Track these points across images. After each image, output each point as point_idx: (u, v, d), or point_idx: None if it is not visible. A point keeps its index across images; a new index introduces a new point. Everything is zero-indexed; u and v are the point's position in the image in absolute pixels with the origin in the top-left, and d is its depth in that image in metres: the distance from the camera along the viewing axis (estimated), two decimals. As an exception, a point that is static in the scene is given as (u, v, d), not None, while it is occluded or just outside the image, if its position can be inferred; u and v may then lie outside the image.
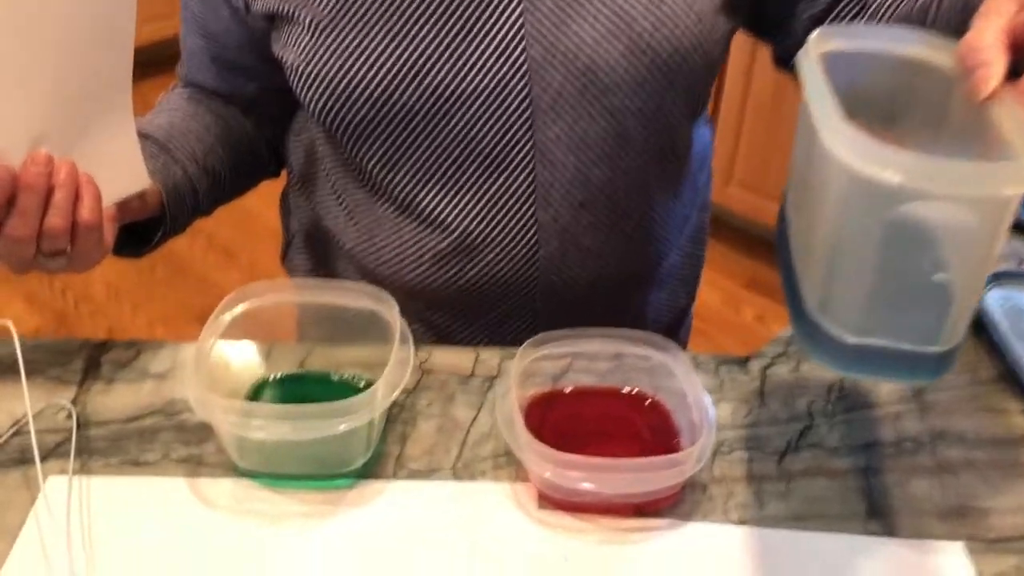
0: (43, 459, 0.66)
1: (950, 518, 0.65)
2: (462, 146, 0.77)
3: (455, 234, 0.81)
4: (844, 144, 0.46)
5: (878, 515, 0.65)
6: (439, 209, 0.81)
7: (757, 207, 2.20)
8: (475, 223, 0.80)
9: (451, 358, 0.77)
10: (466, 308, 0.86)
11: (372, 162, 0.80)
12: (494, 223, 0.80)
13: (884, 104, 0.60)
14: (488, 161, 0.78)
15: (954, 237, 0.49)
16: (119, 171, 0.70)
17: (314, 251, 0.95)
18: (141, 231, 0.79)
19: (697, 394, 0.67)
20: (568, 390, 0.72)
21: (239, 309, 0.70)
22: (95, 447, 0.68)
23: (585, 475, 0.61)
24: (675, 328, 1.00)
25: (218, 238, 2.36)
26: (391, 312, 0.68)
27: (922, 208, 0.47)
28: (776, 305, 2.22)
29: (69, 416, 0.70)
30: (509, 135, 0.76)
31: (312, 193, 0.91)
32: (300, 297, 0.72)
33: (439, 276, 0.84)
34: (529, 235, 0.80)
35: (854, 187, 0.47)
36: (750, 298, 2.25)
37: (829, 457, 0.69)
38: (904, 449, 0.70)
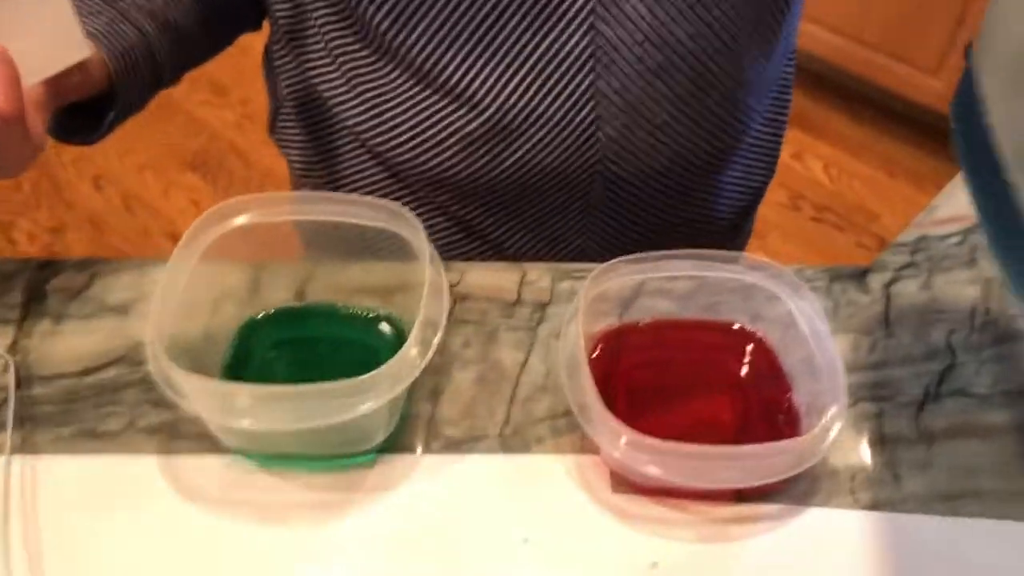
0: (-26, 431, 0.52)
1: None
2: (497, -5, 0.58)
3: (488, 111, 0.63)
4: None
5: (1050, 493, 0.51)
6: (468, 79, 0.62)
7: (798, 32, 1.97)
8: (514, 97, 0.62)
9: (490, 279, 0.60)
10: (502, 202, 0.69)
11: (378, 16, 0.61)
12: (539, 97, 0.62)
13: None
14: (532, 16, 0.59)
15: None
16: (44, 38, 0.53)
17: (308, 124, 0.77)
18: (90, 109, 0.62)
19: (816, 330, 0.51)
20: (643, 323, 0.57)
21: (219, 230, 0.53)
22: (41, 413, 0.53)
23: (675, 463, 0.46)
24: (745, 217, 0.83)
25: (206, 73, 2.14)
26: (416, 236, 0.52)
27: None
28: (813, 140, 2.04)
29: (6, 369, 0.54)
30: (560, -21, 0.57)
31: (301, 53, 0.72)
32: (295, 214, 0.55)
33: (468, 164, 0.66)
34: (585, 112, 0.62)
35: None
36: (786, 133, 2.05)
37: (980, 409, 0.54)
38: (1072, 396, 0.55)
